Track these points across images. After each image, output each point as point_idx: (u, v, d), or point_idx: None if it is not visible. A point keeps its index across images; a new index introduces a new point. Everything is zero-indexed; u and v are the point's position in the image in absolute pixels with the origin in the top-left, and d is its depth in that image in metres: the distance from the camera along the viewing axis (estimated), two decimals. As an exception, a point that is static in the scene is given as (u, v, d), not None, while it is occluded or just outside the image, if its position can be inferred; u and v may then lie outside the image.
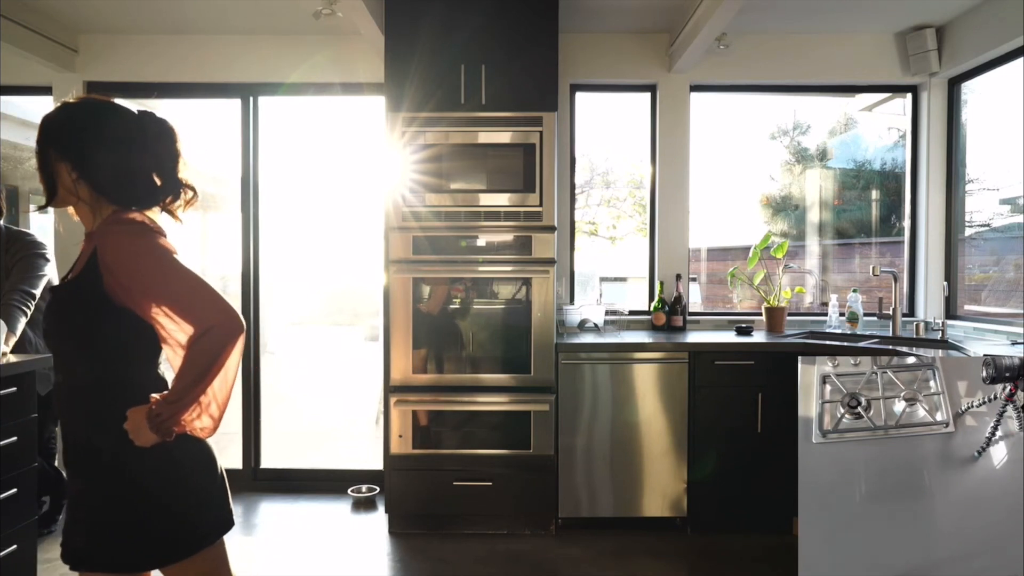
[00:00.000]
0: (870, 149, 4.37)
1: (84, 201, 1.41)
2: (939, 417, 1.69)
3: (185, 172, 1.49)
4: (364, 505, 3.70)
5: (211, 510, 1.48)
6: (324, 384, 5.42)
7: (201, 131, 4.39)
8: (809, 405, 1.77)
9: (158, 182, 1.46)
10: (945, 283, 3.68)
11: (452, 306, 3.34)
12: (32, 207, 5.21)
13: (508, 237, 3.26)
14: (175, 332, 1.37)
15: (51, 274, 3.09)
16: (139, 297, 1.35)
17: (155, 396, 1.35)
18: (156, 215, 1.48)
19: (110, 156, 1.40)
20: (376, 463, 3.96)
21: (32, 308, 2.92)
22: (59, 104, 1.43)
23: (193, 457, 1.45)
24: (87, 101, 1.44)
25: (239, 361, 1.38)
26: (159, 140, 1.46)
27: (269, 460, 4.04)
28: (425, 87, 3.23)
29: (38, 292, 2.95)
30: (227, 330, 1.33)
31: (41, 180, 1.41)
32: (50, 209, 1.44)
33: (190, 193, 1.50)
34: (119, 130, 1.42)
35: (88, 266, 1.36)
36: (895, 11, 3.56)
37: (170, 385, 1.38)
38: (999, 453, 1.61)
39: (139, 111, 1.46)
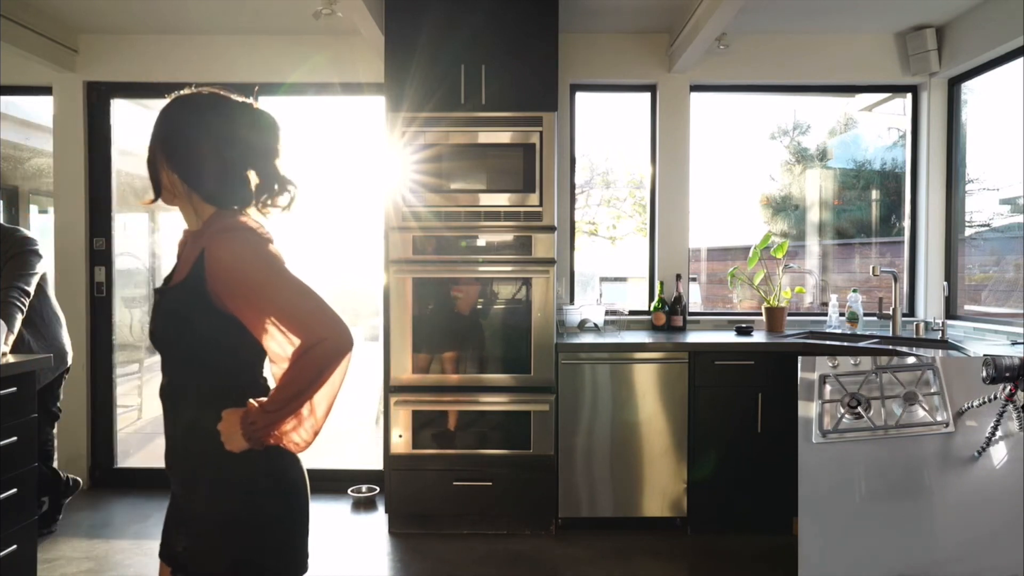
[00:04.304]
0: (870, 149, 4.37)
1: (182, 199, 1.38)
2: (939, 417, 1.69)
3: (284, 168, 1.42)
4: (364, 505, 3.70)
5: (284, 548, 1.39)
6: (324, 384, 5.41)
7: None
8: (809, 405, 1.77)
9: (254, 179, 1.40)
10: (945, 283, 3.68)
11: (452, 306, 3.34)
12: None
13: (508, 237, 3.26)
14: (283, 343, 1.32)
15: (44, 270, 3.08)
16: (244, 307, 1.30)
17: (252, 401, 1.29)
18: (255, 214, 1.42)
19: (202, 152, 1.35)
20: (376, 463, 3.96)
21: (27, 305, 2.91)
22: (170, 98, 1.39)
23: (286, 484, 1.38)
24: (190, 95, 1.38)
25: (344, 377, 1.32)
26: (255, 135, 1.39)
27: (269, 460, 4.03)
28: (425, 87, 3.23)
29: (31, 289, 2.95)
30: (336, 345, 1.26)
31: (149, 175, 1.39)
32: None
33: (288, 191, 1.42)
34: (213, 125, 1.36)
35: (194, 271, 1.31)
36: (895, 11, 3.56)
37: (270, 394, 1.33)
38: (999, 453, 1.61)
39: (240, 102, 1.39)
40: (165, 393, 1.40)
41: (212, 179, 1.37)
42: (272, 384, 1.38)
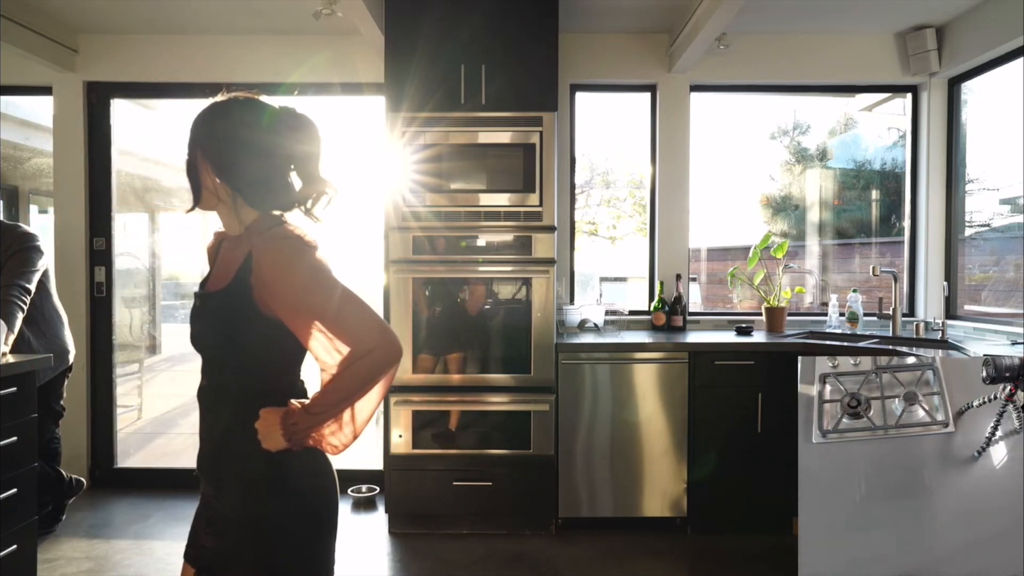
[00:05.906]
0: (870, 149, 4.37)
1: (225, 203, 1.38)
2: (939, 417, 1.69)
3: (325, 171, 1.44)
4: (364, 505, 3.70)
5: (310, 554, 1.39)
6: (324, 384, 5.41)
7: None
8: (809, 405, 1.77)
9: (297, 183, 1.42)
10: (945, 283, 3.68)
11: (452, 306, 3.34)
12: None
13: (508, 237, 3.26)
14: (329, 350, 1.31)
15: (46, 267, 3.08)
16: (292, 314, 1.31)
17: (294, 402, 1.31)
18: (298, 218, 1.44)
19: (246, 156, 1.36)
20: (376, 463, 3.96)
21: (28, 304, 2.90)
22: (208, 103, 1.40)
23: (313, 490, 1.39)
24: (230, 100, 1.40)
25: (389, 385, 1.33)
26: (297, 139, 1.40)
27: (269, 460, 4.03)
28: (425, 87, 3.23)
29: (33, 286, 2.93)
30: (387, 355, 1.27)
31: (189, 180, 1.39)
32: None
33: (329, 192, 1.44)
34: (256, 129, 1.37)
35: (239, 276, 1.33)
36: (895, 11, 3.56)
37: (312, 396, 1.33)
38: (999, 453, 1.61)
39: (280, 108, 1.40)
40: (203, 395, 1.41)
41: (257, 183, 1.38)
42: (308, 386, 1.41)
